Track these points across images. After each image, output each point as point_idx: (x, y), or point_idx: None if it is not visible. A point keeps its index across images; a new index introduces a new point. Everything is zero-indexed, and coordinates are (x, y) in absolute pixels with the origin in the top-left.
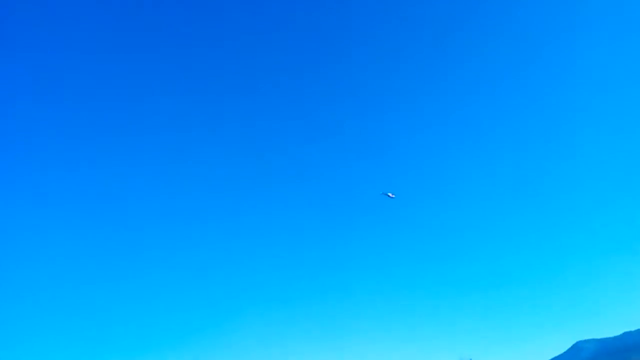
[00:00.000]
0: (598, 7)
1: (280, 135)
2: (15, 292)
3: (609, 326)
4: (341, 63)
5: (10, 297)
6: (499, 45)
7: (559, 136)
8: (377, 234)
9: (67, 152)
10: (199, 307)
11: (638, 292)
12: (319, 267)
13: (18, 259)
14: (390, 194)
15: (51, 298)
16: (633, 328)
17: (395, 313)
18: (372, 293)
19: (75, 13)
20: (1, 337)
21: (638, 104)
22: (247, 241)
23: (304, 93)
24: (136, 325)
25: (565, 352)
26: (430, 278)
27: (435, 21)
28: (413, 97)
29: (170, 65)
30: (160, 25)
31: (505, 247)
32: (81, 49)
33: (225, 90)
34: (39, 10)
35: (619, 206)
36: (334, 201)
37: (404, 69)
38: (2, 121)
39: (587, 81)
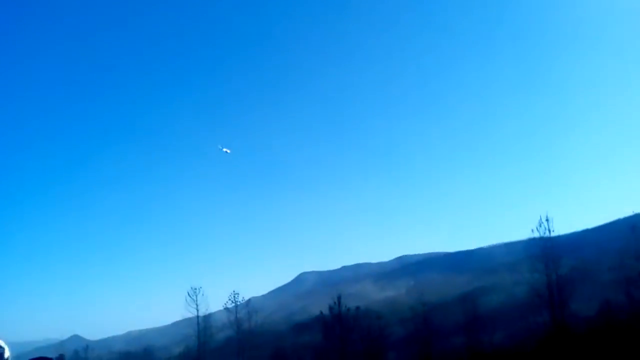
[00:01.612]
0: None
1: None
2: None
3: (329, 260)
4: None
5: None
6: None
7: None
8: None
9: None
10: None
11: (353, 232)
12: None
13: None
14: (226, 149)
15: None
16: (349, 263)
17: None
18: None
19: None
20: None
21: None
22: None
23: None
24: None
25: (290, 282)
26: None
27: None
28: None
29: None
30: None
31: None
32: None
33: None
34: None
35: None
36: None
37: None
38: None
39: None
